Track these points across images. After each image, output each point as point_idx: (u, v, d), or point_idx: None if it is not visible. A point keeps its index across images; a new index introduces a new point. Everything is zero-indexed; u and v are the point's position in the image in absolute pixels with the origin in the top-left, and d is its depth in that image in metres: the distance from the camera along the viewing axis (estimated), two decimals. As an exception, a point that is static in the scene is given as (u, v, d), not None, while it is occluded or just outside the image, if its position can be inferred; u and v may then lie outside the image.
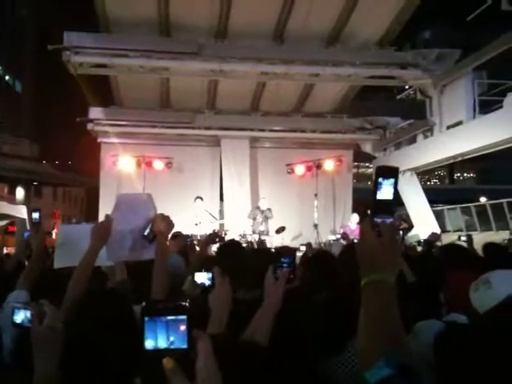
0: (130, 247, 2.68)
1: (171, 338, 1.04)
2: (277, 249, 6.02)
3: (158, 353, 1.02)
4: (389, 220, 1.33)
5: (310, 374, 1.76)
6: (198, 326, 1.92)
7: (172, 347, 1.03)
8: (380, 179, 1.34)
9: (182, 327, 1.04)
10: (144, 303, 1.08)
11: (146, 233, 2.60)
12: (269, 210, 12.84)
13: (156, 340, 1.03)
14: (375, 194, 1.33)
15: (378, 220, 1.33)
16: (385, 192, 1.33)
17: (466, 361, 1.39)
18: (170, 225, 2.66)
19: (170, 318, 1.04)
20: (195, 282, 2.09)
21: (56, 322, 1.72)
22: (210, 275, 2.06)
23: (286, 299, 2.02)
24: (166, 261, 2.59)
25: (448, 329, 1.87)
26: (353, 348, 2.01)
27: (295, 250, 7.29)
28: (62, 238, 3.03)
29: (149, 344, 1.03)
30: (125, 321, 1.53)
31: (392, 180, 1.34)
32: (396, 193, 1.34)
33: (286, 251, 4.52)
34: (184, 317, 1.05)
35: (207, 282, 2.43)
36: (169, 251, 2.81)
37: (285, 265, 2.15)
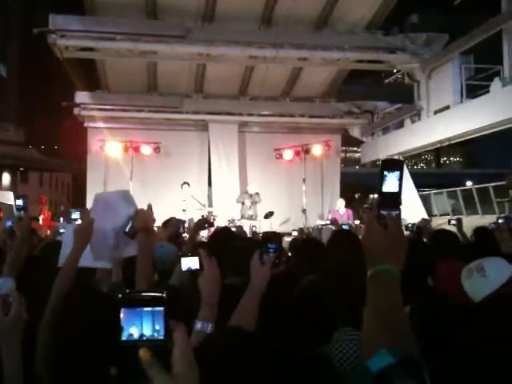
0: (113, 245, 2.67)
1: (148, 329, 1.04)
2: (264, 234, 6.03)
3: (135, 344, 1.01)
4: (395, 212, 1.35)
5: (296, 360, 1.78)
6: (188, 313, 1.94)
7: (149, 338, 1.03)
8: (385, 172, 1.35)
9: (159, 318, 1.04)
10: (121, 295, 1.08)
11: (127, 229, 2.59)
12: (257, 194, 12.84)
13: (133, 331, 1.03)
14: (381, 186, 1.35)
15: (384, 212, 1.34)
16: (390, 185, 1.35)
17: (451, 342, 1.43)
18: (151, 219, 2.64)
19: (147, 309, 1.04)
20: (181, 268, 2.09)
21: (22, 311, 1.73)
22: (196, 259, 2.07)
23: (271, 284, 2.05)
24: (149, 256, 2.58)
25: (428, 303, 1.91)
26: (340, 338, 2.02)
27: (281, 234, 7.28)
28: (69, 238, 3.00)
29: (126, 335, 1.03)
30: (105, 317, 1.55)
31: (397, 173, 1.36)
32: (401, 185, 1.35)
33: (272, 237, 4.55)
34: (161, 308, 1.05)
35: (194, 267, 2.43)
36: (153, 244, 2.79)
37: (271, 250, 2.18)
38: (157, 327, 1.04)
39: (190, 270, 2.28)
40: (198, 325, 1.86)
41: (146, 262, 2.53)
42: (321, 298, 2.31)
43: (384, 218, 1.34)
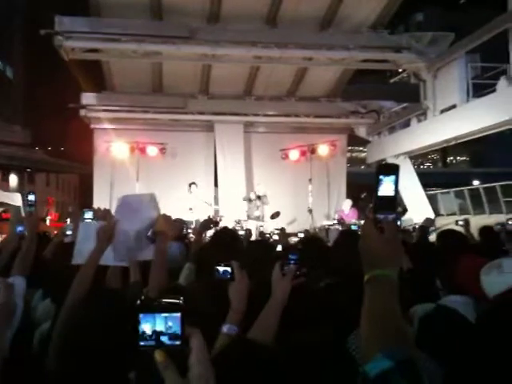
0: (134, 248, 2.70)
1: (165, 335, 1.06)
2: (284, 247, 5.98)
3: (152, 348, 1.04)
4: (391, 216, 1.36)
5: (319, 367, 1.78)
6: (194, 314, 1.96)
7: (166, 344, 1.05)
8: (381, 176, 1.36)
9: (176, 324, 1.06)
10: (139, 301, 1.10)
11: (149, 233, 2.63)
12: (265, 196, 12.87)
13: (150, 336, 1.05)
14: (376, 191, 1.35)
15: (381, 216, 1.35)
16: (386, 189, 1.36)
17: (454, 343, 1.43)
18: (172, 225, 2.69)
19: (164, 315, 1.06)
20: (219, 271, 2.15)
21: (9, 297, 1.72)
22: (229, 269, 2.13)
23: (292, 296, 2.08)
24: (165, 260, 2.64)
25: (434, 311, 1.91)
26: (355, 340, 2.01)
27: (294, 243, 7.19)
28: (82, 235, 3.00)
29: (143, 340, 1.05)
30: (122, 320, 1.55)
31: (393, 177, 1.36)
32: (397, 189, 1.36)
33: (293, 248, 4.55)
34: (178, 314, 1.06)
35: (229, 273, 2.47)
36: (167, 247, 2.83)
37: (292, 261, 2.20)
38: (173, 333, 1.06)
39: (225, 275, 2.33)
40: (225, 328, 1.93)
41: (162, 266, 2.59)
42: (340, 301, 2.32)
43: (380, 222, 1.35)
